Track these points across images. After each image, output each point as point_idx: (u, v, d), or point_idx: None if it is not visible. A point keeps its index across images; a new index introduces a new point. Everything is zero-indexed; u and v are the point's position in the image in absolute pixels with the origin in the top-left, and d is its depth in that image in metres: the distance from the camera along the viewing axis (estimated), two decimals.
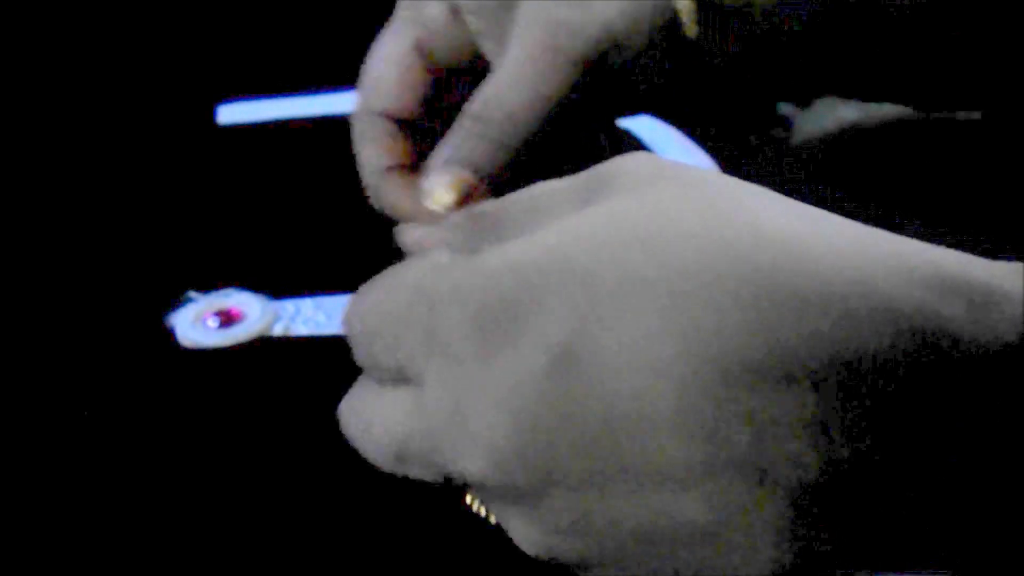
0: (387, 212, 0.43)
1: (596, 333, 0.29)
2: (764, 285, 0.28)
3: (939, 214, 0.34)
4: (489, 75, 0.42)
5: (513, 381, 0.29)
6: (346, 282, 0.47)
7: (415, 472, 0.32)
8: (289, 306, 0.47)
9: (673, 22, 0.42)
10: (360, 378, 0.35)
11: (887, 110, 0.53)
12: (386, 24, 0.45)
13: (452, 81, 0.45)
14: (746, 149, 0.56)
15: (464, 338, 0.30)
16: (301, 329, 0.46)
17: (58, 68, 0.64)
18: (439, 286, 0.32)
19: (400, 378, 0.32)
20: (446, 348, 0.31)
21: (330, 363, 0.37)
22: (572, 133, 0.44)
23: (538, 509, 0.30)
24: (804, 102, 0.48)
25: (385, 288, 0.33)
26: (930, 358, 0.28)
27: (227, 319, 0.46)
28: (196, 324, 0.46)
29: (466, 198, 0.40)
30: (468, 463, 0.30)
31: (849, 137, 0.53)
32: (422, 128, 0.44)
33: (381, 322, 0.33)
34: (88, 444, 0.42)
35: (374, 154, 0.44)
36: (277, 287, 0.48)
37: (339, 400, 0.38)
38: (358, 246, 0.50)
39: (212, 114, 0.60)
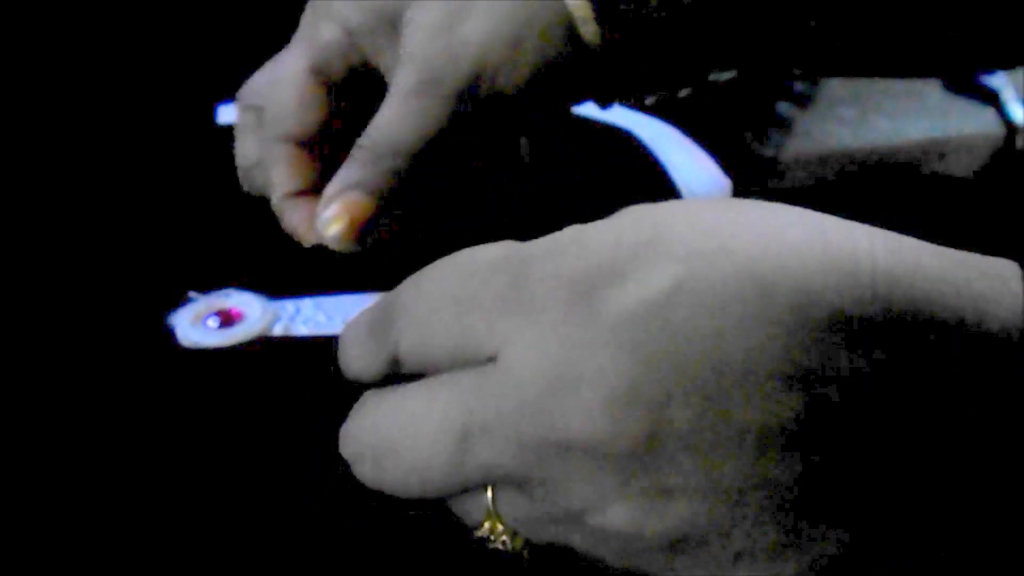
0: (293, 236, 0.44)
1: (705, 276, 0.30)
2: None
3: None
4: (380, 105, 0.44)
5: (625, 317, 0.30)
6: (346, 282, 0.48)
7: (483, 453, 0.31)
8: (289, 306, 0.47)
9: (571, 30, 0.43)
10: (370, 393, 0.35)
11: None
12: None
13: (357, 98, 0.46)
14: (744, 149, 0.56)
15: (560, 293, 0.31)
16: (301, 329, 0.46)
17: (57, 68, 0.64)
18: (525, 255, 0.32)
19: (454, 362, 0.32)
20: (537, 308, 0.31)
21: (330, 363, 0.37)
22: (475, 145, 0.45)
23: (643, 468, 0.29)
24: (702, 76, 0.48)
25: (445, 268, 0.33)
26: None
27: (227, 319, 0.46)
28: (196, 324, 0.46)
29: (361, 223, 0.42)
30: (575, 417, 0.29)
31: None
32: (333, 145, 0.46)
33: (441, 300, 0.33)
34: (87, 444, 0.42)
35: (277, 179, 0.46)
36: (277, 287, 0.48)
37: (339, 400, 0.38)
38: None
39: (212, 114, 0.60)
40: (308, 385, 0.43)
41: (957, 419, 0.29)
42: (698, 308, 0.29)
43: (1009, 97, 0.58)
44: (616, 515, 0.31)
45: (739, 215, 0.32)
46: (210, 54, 0.64)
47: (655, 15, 0.43)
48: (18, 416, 0.43)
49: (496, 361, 0.31)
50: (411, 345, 0.34)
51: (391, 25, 0.45)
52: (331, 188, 0.43)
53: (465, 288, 0.32)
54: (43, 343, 0.46)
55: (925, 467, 0.30)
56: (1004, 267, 0.31)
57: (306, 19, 0.47)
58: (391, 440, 0.33)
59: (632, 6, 0.43)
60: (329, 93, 0.46)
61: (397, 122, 0.43)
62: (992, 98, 0.59)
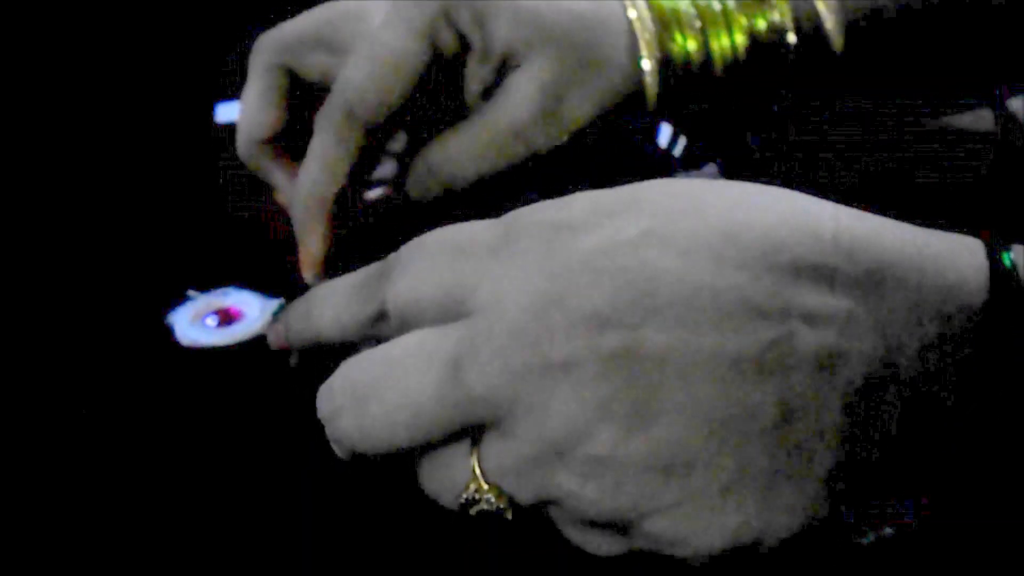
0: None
1: (675, 227, 0.32)
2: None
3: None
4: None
5: (600, 251, 0.32)
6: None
7: (472, 379, 0.32)
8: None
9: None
10: (349, 358, 0.35)
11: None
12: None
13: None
14: (742, 148, 0.56)
15: (543, 235, 0.33)
16: None
17: (56, 66, 0.64)
18: (513, 214, 0.35)
19: (442, 312, 0.34)
20: (521, 249, 0.33)
21: (328, 362, 0.37)
22: None
23: (623, 386, 0.31)
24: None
25: (441, 231, 0.36)
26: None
27: (226, 318, 0.46)
28: (195, 323, 0.46)
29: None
30: (556, 337, 0.31)
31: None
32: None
33: (437, 252, 0.35)
34: (86, 441, 0.42)
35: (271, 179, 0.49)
36: (277, 287, 0.48)
37: None
38: (357, 246, 0.50)
39: (211, 112, 0.60)
40: (306, 384, 0.44)
41: (923, 356, 0.32)
42: (668, 249, 0.32)
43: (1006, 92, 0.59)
44: (601, 438, 0.31)
45: (714, 185, 0.35)
46: (209, 52, 0.65)
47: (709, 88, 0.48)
48: (17, 412, 0.43)
49: (485, 301, 0.33)
50: (402, 292, 0.35)
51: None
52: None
53: (458, 242, 0.35)
54: (42, 340, 0.46)
55: (897, 397, 0.31)
56: (965, 237, 0.34)
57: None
58: (376, 380, 0.34)
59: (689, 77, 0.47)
60: (296, 97, 0.48)
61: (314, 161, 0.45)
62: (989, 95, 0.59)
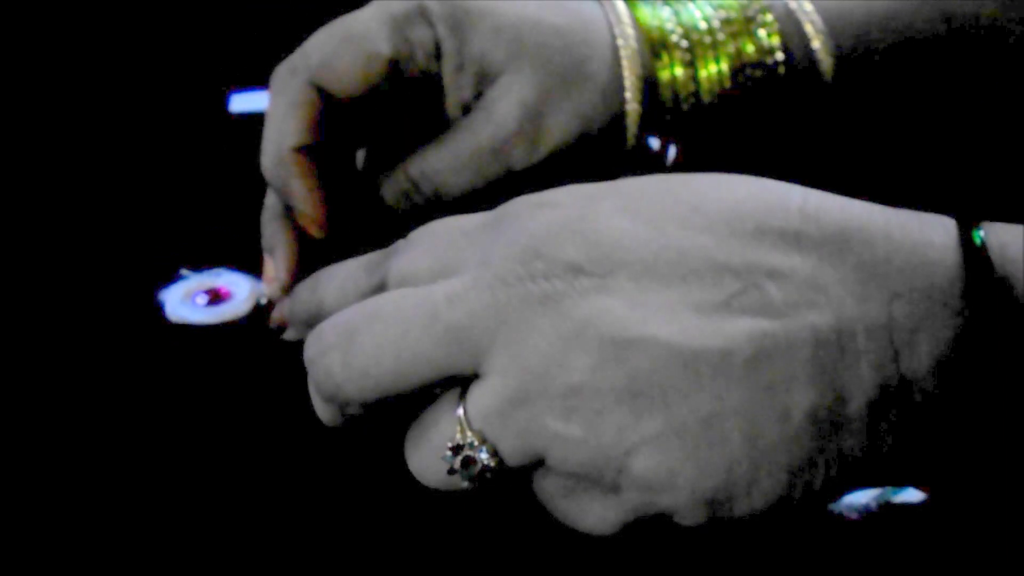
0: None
1: (643, 200, 0.34)
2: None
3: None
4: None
5: (580, 215, 0.34)
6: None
7: (460, 316, 0.33)
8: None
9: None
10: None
11: None
12: None
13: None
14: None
15: (528, 210, 0.35)
16: None
17: (68, 51, 0.65)
18: (502, 205, 0.36)
19: (432, 279, 0.35)
20: (508, 221, 0.35)
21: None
22: None
23: (595, 314, 0.32)
24: None
25: (448, 219, 0.37)
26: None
27: (215, 297, 0.47)
28: (185, 301, 0.47)
29: None
30: (540, 279, 0.33)
31: None
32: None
33: (442, 231, 0.37)
34: (75, 418, 0.42)
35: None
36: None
37: None
38: (356, 240, 0.51)
39: (221, 99, 0.61)
40: (292, 364, 0.44)
41: (892, 312, 0.32)
42: (638, 218, 0.34)
43: None
44: (576, 365, 0.32)
45: (692, 176, 0.36)
46: (223, 43, 0.66)
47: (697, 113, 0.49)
48: (4, 391, 0.44)
49: (472, 263, 0.35)
50: (403, 265, 0.37)
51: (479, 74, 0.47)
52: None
53: (459, 224, 0.37)
54: (34, 317, 0.47)
55: (867, 350, 0.32)
56: (937, 215, 0.35)
57: None
58: (366, 319, 0.35)
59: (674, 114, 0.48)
60: (326, 105, 0.47)
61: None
62: None
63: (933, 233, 0.33)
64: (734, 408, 0.32)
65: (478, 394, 0.33)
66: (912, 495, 0.37)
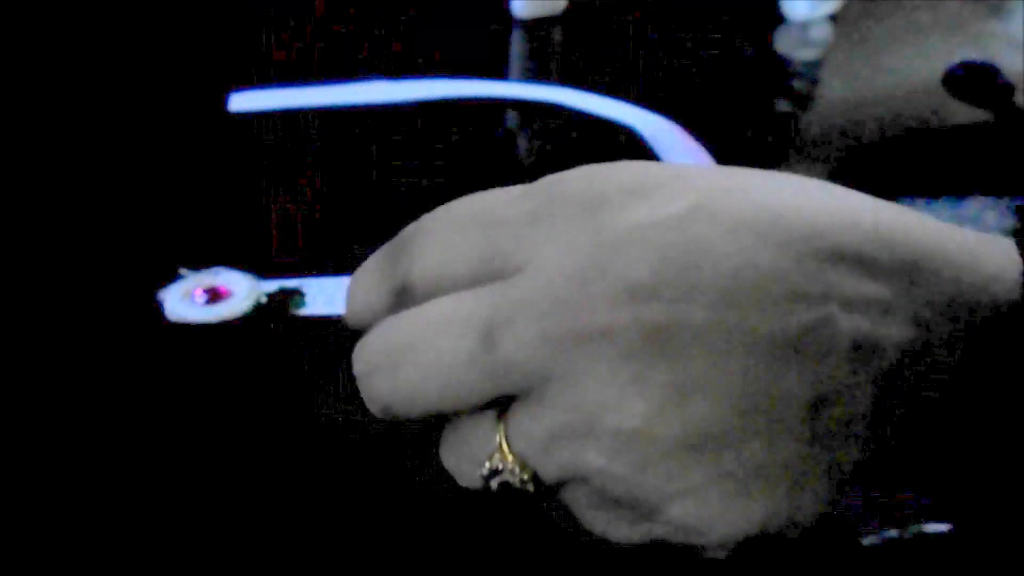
0: None
1: (721, 204, 0.32)
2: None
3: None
4: None
5: (646, 224, 0.31)
6: (341, 267, 0.48)
7: (508, 346, 0.31)
8: (277, 285, 0.48)
9: None
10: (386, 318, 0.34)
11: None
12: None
13: None
14: (744, 148, 0.56)
15: (589, 205, 0.32)
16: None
17: (68, 51, 0.65)
18: (552, 180, 0.33)
19: (476, 278, 0.33)
20: (566, 216, 0.32)
21: (314, 342, 0.37)
22: None
23: (660, 360, 0.31)
24: None
25: (468, 199, 0.34)
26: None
27: (214, 296, 0.47)
28: (184, 299, 0.47)
29: None
30: (598, 307, 0.31)
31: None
32: None
33: (467, 220, 0.33)
34: (74, 418, 0.42)
35: None
36: (267, 268, 0.49)
37: (325, 377, 0.38)
38: (357, 235, 0.51)
39: (221, 99, 0.61)
40: (291, 363, 0.44)
41: (954, 349, 0.31)
42: (714, 226, 0.31)
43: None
44: (633, 411, 0.31)
45: (752, 171, 0.34)
46: (223, 42, 0.66)
47: None
48: (2, 389, 0.43)
49: (523, 269, 0.32)
50: (428, 266, 0.33)
51: None
52: None
53: (492, 209, 0.33)
54: (34, 315, 0.47)
55: (929, 389, 0.31)
56: (996, 236, 0.34)
57: None
58: (412, 340, 0.33)
59: None
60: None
61: None
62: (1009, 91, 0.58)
63: (997, 259, 0.33)
64: (784, 460, 0.31)
65: (522, 418, 0.32)
66: (938, 527, 0.36)
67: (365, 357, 0.34)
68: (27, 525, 0.38)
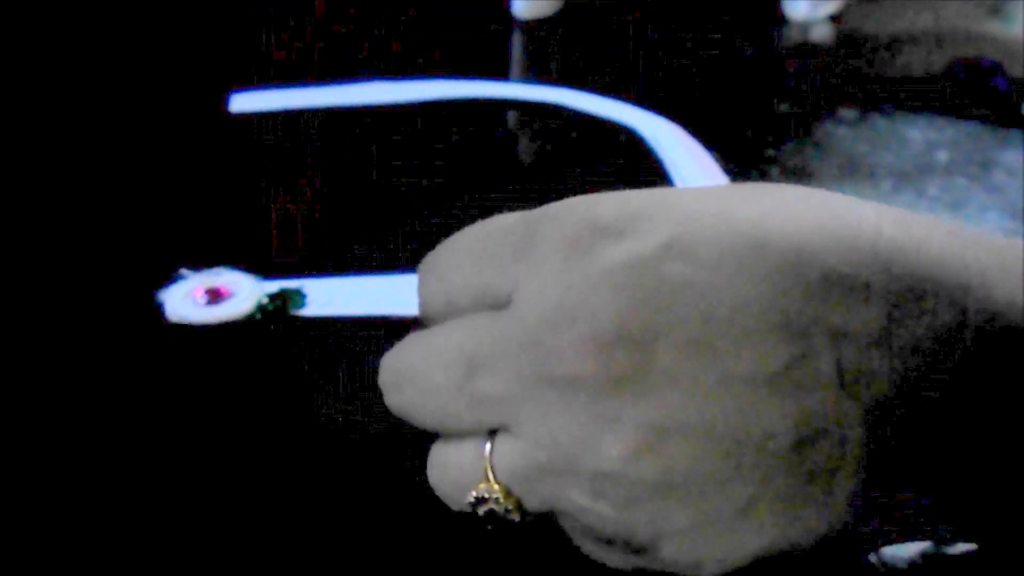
0: None
1: (700, 234, 0.31)
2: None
3: None
4: None
5: (619, 266, 0.31)
6: (341, 266, 0.48)
7: (486, 384, 0.32)
8: (278, 286, 0.48)
9: None
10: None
11: None
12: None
13: None
14: (744, 148, 0.56)
15: (565, 244, 0.32)
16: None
17: (67, 50, 0.65)
18: (538, 215, 0.33)
19: (476, 308, 0.33)
20: (543, 256, 0.32)
21: (314, 342, 0.37)
22: None
23: (633, 402, 0.30)
24: None
25: (465, 233, 0.35)
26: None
27: (215, 296, 0.47)
28: (184, 300, 0.47)
29: None
30: (566, 352, 0.31)
31: None
32: None
33: (463, 257, 0.34)
34: (74, 418, 0.42)
35: None
36: (270, 269, 0.49)
37: (324, 376, 0.38)
38: (357, 235, 0.51)
39: (222, 100, 0.61)
40: (292, 364, 0.44)
41: (959, 378, 0.30)
42: (690, 262, 0.31)
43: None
44: (610, 452, 0.31)
45: (745, 189, 0.33)
46: (224, 42, 0.66)
47: None
48: (2, 389, 0.43)
49: (512, 302, 0.33)
50: (434, 299, 0.35)
51: None
52: None
53: (484, 246, 0.34)
54: (35, 316, 0.47)
55: (926, 419, 0.30)
56: (1017, 245, 0.32)
57: None
58: (413, 367, 0.34)
59: None
60: None
61: None
62: (1006, 99, 0.58)
63: (1012, 280, 0.31)
64: (773, 496, 0.30)
65: (507, 450, 0.33)
66: (962, 547, 0.35)
67: (383, 374, 0.35)
68: (27, 525, 0.38)
